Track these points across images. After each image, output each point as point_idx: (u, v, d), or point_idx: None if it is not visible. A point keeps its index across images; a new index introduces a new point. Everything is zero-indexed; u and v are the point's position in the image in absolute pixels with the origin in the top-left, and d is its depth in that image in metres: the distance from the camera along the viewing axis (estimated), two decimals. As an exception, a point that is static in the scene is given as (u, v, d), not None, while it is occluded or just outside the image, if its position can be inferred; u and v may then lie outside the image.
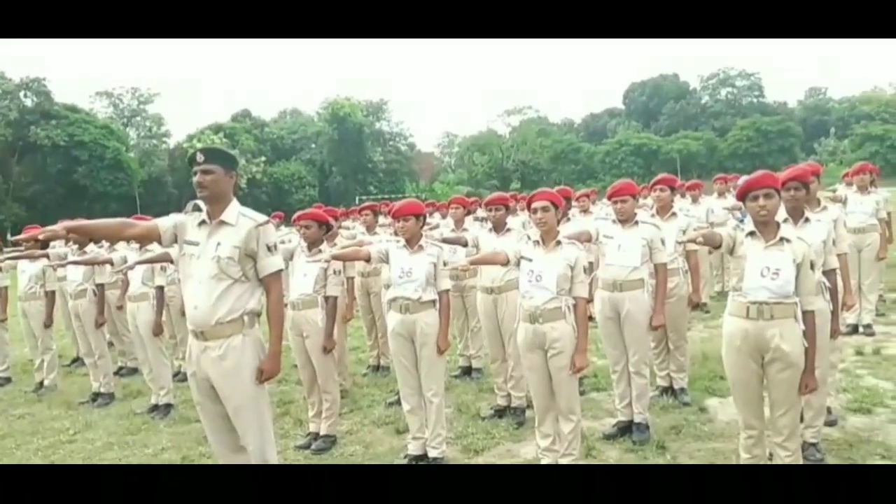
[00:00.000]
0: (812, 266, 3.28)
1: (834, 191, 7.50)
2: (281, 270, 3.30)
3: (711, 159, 61.92)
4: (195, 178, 3.19)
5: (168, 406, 5.94)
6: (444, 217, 8.93)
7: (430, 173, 73.34)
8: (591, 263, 5.01)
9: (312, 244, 4.79)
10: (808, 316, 3.24)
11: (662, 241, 4.50)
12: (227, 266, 3.13)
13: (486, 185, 60.09)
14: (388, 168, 65.42)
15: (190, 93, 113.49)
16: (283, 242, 4.68)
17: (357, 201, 41.63)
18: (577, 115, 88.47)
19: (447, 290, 4.37)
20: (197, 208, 3.30)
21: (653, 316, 4.51)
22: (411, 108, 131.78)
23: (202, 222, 3.24)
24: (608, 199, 4.71)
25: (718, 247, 3.33)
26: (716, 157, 62.57)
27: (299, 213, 4.94)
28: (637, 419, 4.58)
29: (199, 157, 3.19)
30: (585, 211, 8.24)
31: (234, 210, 3.23)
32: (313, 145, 66.72)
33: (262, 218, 3.25)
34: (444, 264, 4.31)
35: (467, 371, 6.42)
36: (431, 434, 4.33)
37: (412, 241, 4.32)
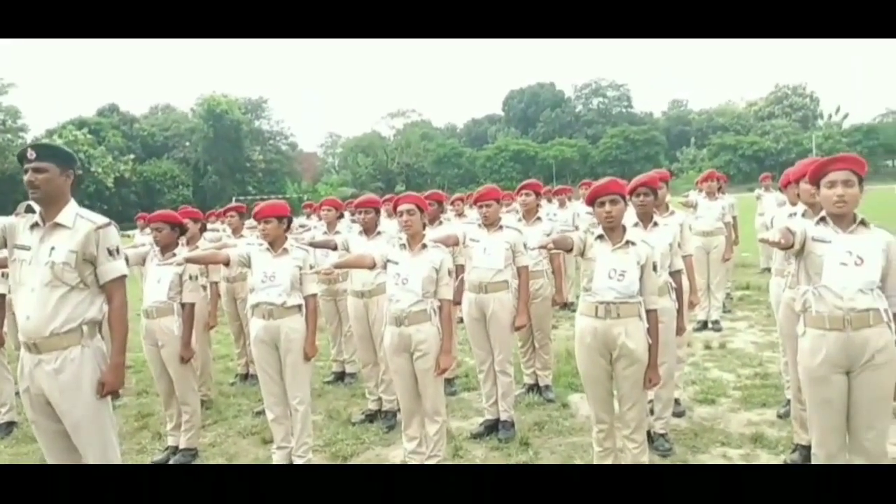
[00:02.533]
0: (655, 268, 3.49)
1: (686, 196, 8.06)
2: (124, 276, 3.09)
3: (584, 165, 65.00)
4: (26, 177, 2.93)
5: (10, 424, 5.43)
6: (321, 219, 8.75)
7: (312, 174, 71.99)
8: (459, 266, 5.12)
9: (165, 248, 4.53)
10: (652, 314, 3.44)
11: (525, 245, 4.63)
12: (63, 272, 2.89)
13: (370, 186, 59.81)
14: (268, 168, 63.57)
15: (51, 85, 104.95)
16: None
17: (234, 202, 40.01)
18: (460, 121, 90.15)
19: (314, 295, 4.27)
20: (30, 210, 3.03)
21: (516, 316, 4.64)
22: (293, 106, 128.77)
23: (35, 225, 2.98)
24: (474, 204, 4.81)
25: (570, 250, 3.47)
26: (588, 163, 65.76)
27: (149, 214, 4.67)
28: (503, 417, 4.70)
29: (31, 154, 2.92)
30: (460, 214, 8.34)
31: (71, 212, 2.99)
32: (187, 143, 63.52)
33: (101, 220, 3.02)
34: (311, 268, 4.21)
35: (340, 376, 6.33)
36: (297, 443, 4.22)
37: (276, 245, 4.19)
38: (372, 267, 3.98)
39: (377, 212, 5.07)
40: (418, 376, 3.87)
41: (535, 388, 5.53)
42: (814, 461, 3.06)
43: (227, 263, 4.30)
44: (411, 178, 66.29)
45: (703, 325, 7.42)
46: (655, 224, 4.18)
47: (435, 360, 3.82)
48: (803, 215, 3.57)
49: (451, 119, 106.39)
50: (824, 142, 58.08)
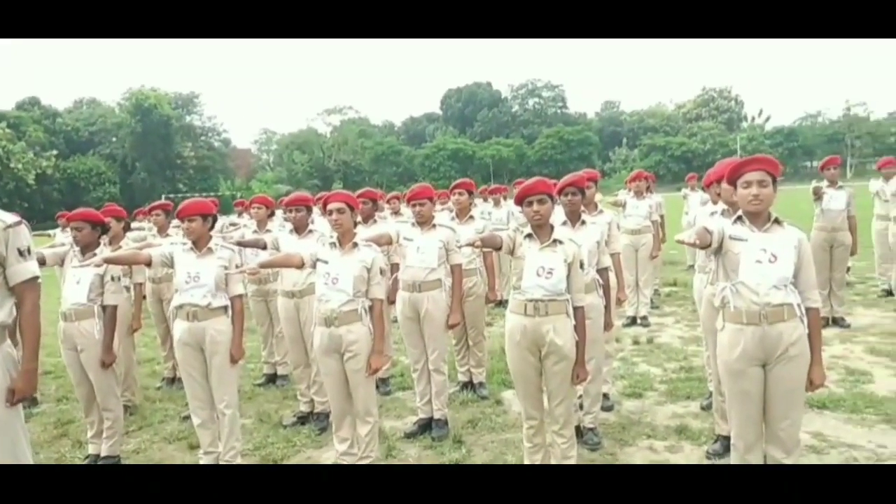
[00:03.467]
0: (582, 265, 3.55)
1: (616, 196, 8.27)
2: (36, 277, 2.93)
3: (521, 165, 65.78)
4: None
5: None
6: (251, 218, 8.55)
7: (246, 171, 70.39)
8: (394, 265, 5.10)
9: (86, 248, 4.34)
10: (579, 311, 3.51)
11: (457, 243, 4.65)
12: (-32, 274, 2.72)
13: (307, 184, 58.94)
14: (200, 164, 61.68)
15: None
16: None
17: (163, 199, 38.72)
18: (398, 118, 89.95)
19: (240, 296, 4.17)
20: None
21: (450, 315, 4.65)
22: (226, 102, 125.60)
23: (-60, 225, 2.79)
24: (407, 203, 4.79)
25: (499, 248, 3.49)
26: (525, 162, 66.58)
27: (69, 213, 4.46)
28: (436, 416, 4.70)
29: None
30: (396, 213, 8.34)
31: None
32: (114, 139, 61.04)
33: (11, 218, 2.86)
34: (237, 267, 4.11)
35: (272, 379, 6.21)
36: (225, 448, 4.11)
37: (200, 244, 4.07)
38: (301, 266, 3.91)
39: (308, 210, 4.99)
40: (349, 377, 3.83)
41: (469, 385, 5.56)
42: (733, 452, 3.18)
43: (148, 264, 4.14)
44: (349, 175, 65.64)
45: (632, 321, 7.63)
46: (583, 223, 4.26)
47: (366, 361, 3.79)
48: (722, 214, 3.70)
49: (388, 117, 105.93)
50: (748, 143, 60.57)
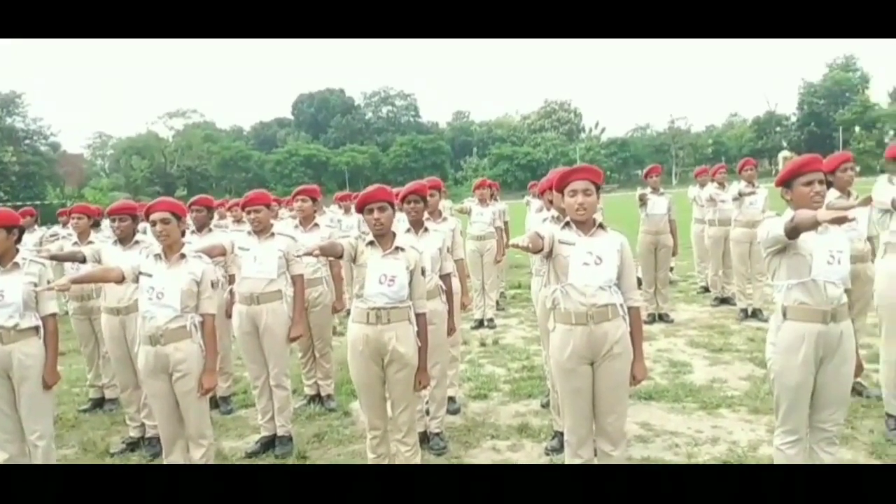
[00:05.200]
0: (424, 272, 3.56)
1: (462, 203, 8.46)
2: None
3: (376, 172, 65.90)
4: None
5: None
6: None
7: (78, 177, 64.40)
8: (231, 276, 4.84)
9: None
10: (421, 318, 3.51)
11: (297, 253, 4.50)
12: None
13: (147, 191, 55.29)
14: (24, 171, 55.71)
15: None
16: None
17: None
18: (246, 123, 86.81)
19: (53, 315, 3.76)
20: None
21: (292, 327, 4.49)
22: (54, 103, 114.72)
23: None
24: (242, 210, 4.57)
25: (340, 256, 3.42)
26: (380, 170, 66.82)
27: None
28: (280, 432, 4.52)
29: None
30: (239, 221, 7.96)
31: None
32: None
33: None
34: (48, 283, 3.70)
35: (99, 403, 5.68)
36: (36, 485, 3.67)
37: (4, 259, 3.63)
38: (120, 281, 3.58)
39: (134, 219, 4.60)
40: (179, 399, 3.56)
41: (316, 398, 5.41)
42: (567, 448, 3.31)
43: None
44: (193, 181, 62.43)
45: (480, 324, 7.82)
46: (426, 230, 4.29)
47: (198, 381, 3.54)
48: (553, 220, 3.87)
49: (237, 121, 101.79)
50: (587, 153, 64.82)
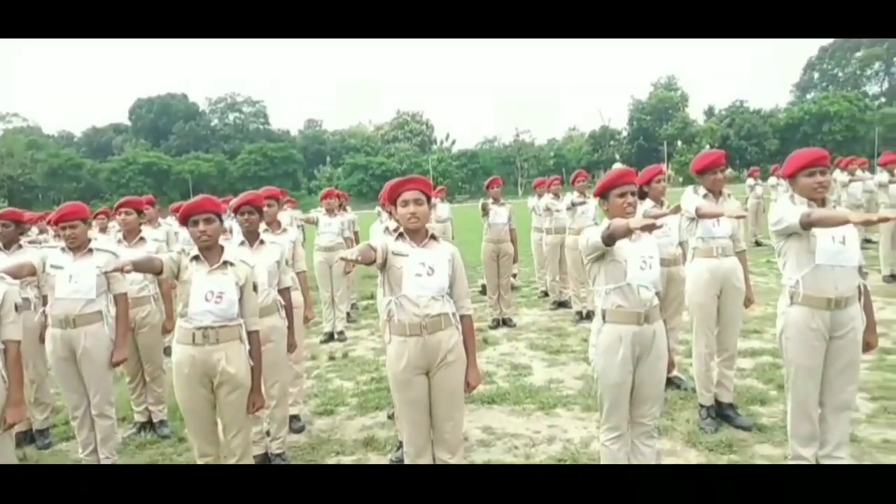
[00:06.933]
0: (256, 287, 3.42)
1: (309, 214, 8.29)
2: None
3: (223, 181, 63.12)
4: None
5: None
6: None
7: None
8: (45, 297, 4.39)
9: None
10: (254, 335, 3.37)
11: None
12: None
13: (-43, 203, 49.00)
14: None
15: None
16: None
17: None
18: (77, 129, 79.94)
19: None
20: None
21: (114, 351, 4.15)
22: None
23: None
24: (54, 225, 4.17)
25: (159, 273, 3.20)
26: (227, 178, 64.06)
27: None
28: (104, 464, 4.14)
29: None
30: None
31: None
32: None
33: None
34: None
35: None
36: None
37: None
38: None
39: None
40: (-24, 436, 3.15)
41: (148, 425, 5.04)
42: (406, 459, 3.30)
43: None
44: (16, 192, 56.45)
45: (330, 337, 7.69)
46: (262, 242, 4.14)
47: (0, 415, 3.16)
48: (385, 231, 3.87)
49: (66, 126, 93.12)
50: (438, 164, 66.11)
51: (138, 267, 3.14)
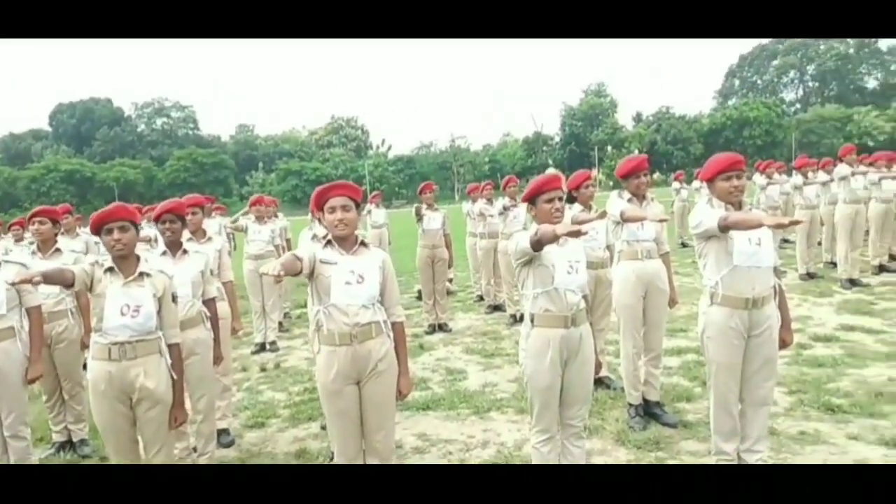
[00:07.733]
0: (175, 299, 3.30)
1: (235, 221, 8.09)
2: None
3: (151, 188, 61.16)
4: None
5: None
6: None
7: None
8: None
9: None
10: (174, 349, 3.25)
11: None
12: None
13: None
14: None
15: None
16: None
17: None
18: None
19: None
20: None
21: (29, 367, 3.92)
22: None
23: None
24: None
25: (71, 285, 3.05)
26: (155, 185, 62.08)
27: None
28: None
29: None
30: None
31: None
32: None
33: None
34: None
35: None
36: None
37: None
38: None
39: None
40: None
41: (67, 444, 4.80)
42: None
43: None
44: (-79, 202, 53.12)
45: (261, 348, 7.51)
46: (185, 252, 4.00)
47: None
48: (315, 238, 3.80)
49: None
50: (375, 169, 65.85)
51: (48, 279, 2.97)
